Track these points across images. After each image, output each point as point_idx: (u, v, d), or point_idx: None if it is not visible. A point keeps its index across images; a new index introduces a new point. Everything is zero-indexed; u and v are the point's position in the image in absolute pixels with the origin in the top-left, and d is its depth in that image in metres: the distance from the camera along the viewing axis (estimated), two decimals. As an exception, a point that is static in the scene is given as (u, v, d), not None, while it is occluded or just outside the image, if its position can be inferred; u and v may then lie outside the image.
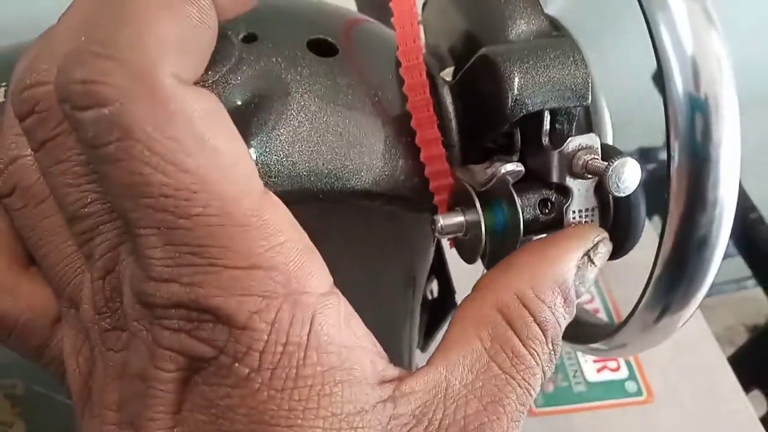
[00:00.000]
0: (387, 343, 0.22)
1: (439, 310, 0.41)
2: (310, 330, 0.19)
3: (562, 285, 0.23)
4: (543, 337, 0.22)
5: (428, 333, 0.43)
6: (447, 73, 0.28)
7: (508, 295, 0.22)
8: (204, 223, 0.18)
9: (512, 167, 0.23)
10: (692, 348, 0.56)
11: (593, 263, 0.24)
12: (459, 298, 0.40)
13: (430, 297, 0.42)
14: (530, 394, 0.22)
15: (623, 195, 0.23)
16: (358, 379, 0.19)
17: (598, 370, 0.54)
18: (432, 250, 0.31)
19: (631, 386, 0.53)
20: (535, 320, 0.22)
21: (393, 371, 0.21)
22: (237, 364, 0.18)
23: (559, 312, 0.23)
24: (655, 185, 0.30)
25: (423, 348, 0.46)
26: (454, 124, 0.27)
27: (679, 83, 0.24)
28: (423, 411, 0.20)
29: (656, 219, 0.55)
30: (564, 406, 0.52)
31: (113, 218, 0.20)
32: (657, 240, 0.24)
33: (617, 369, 0.54)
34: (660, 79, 0.24)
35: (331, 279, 0.20)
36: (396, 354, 0.35)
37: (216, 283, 0.18)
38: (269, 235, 0.18)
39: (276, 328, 0.18)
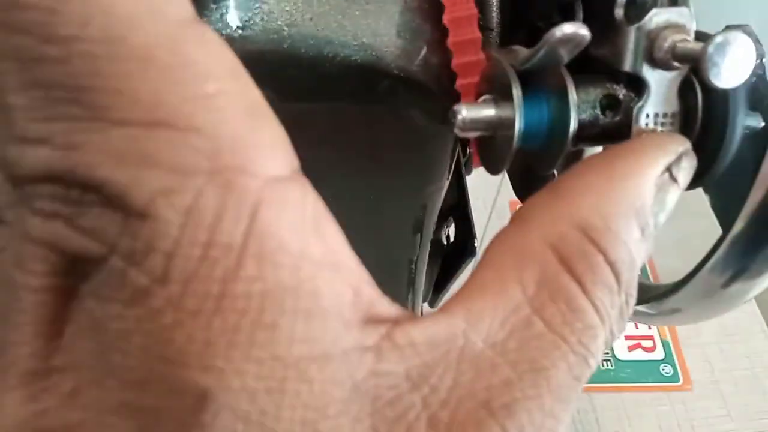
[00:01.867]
0: (385, 287, 0.16)
1: (455, 257, 0.35)
2: (249, 228, 0.13)
3: (640, 211, 0.17)
4: (615, 284, 0.16)
5: (439, 285, 0.38)
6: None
7: (565, 225, 0.17)
8: (84, 52, 0.12)
9: (573, 29, 0.16)
10: (740, 333, 0.50)
11: (676, 182, 0.18)
12: (482, 247, 0.35)
13: (445, 242, 0.36)
14: (588, 365, 0.16)
15: (725, 86, 0.17)
16: (324, 311, 0.14)
17: (630, 348, 0.48)
18: (449, 171, 0.25)
19: (666, 370, 0.48)
20: (605, 259, 0.16)
21: (387, 309, 0.15)
22: (132, 270, 0.13)
23: (636, 249, 0.17)
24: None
25: (432, 303, 0.40)
26: (495, -1, 0.21)
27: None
28: (422, 373, 0.14)
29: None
30: (587, 383, 0.46)
31: None
32: (709, 208, 0.19)
33: (652, 349, 0.49)
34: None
35: (296, 162, 0.14)
36: (395, 300, 0.30)
37: (102, 145, 0.12)
38: (189, 80, 0.12)
39: (193, 220, 0.12)
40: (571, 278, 0.16)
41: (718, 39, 0.16)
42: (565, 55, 0.17)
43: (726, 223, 0.21)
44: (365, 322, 0.14)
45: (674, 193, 0.18)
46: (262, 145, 0.13)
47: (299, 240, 0.13)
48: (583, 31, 0.16)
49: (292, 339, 0.13)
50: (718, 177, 0.21)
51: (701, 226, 0.36)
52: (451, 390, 0.15)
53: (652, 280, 0.55)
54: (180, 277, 0.13)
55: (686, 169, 0.18)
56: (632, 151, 0.18)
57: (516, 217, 0.18)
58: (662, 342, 0.49)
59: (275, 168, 0.13)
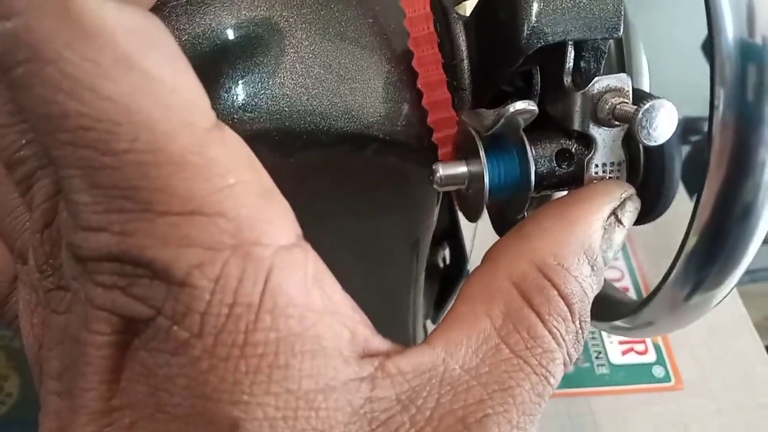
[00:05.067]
0: (387, 311, 0.19)
1: (451, 278, 0.38)
2: (264, 288, 0.16)
3: (588, 250, 0.20)
4: (568, 313, 0.19)
5: (439, 303, 0.41)
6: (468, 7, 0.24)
7: (525, 265, 0.19)
8: (134, 161, 0.15)
9: (523, 105, 0.19)
10: (728, 334, 0.52)
11: (621, 224, 0.20)
12: (472, 266, 0.38)
13: (441, 264, 0.39)
14: (548, 383, 0.18)
15: (655, 144, 0.19)
16: (326, 351, 0.16)
17: (624, 353, 0.50)
18: (436, 209, 0.28)
19: (658, 371, 0.50)
20: (559, 293, 0.19)
21: (379, 345, 0.18)
22: (176, 327, 0.15)
23: (586, 282, 0.19)
24: (698, 160, 0.26)
25: (434, 320, 0.43)
26: (466, 64, 0.24)
27: (729, 27, 0.21)
28: (410, 396, 0.17)
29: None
30: (584, 388, 0.48)
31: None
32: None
33: (645, 352, 0.51)
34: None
35: (299, 230, 0.17)
36: (399, 324, 0.33)
37: (150, 231, 0.15)
38: (215, 176, 0.15)
39: (221, 285, 0.15)
40: (531, 310, 0.19)
41: (646, 106, 0.19)
42: (522, 123, 0.20)
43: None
44: (361, 356, 0.17)
45: (620, 233, 0.20)
46: (272, 221, 0.16)
47: (303, 295, 0.16)
48: (531, 107, 0.19)
49: (301, 375, 0.16)
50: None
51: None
52: (434, 409, 0.17)
53: (644, 291, 0.57)
54: (213, 331, 0.15)
55: (630, 212, 0.21)
56: (582, 198, 0.20)
57: (486, 258, 0.20)
58: (654, 345, 0.51)
59: (283, 238, 0.16)
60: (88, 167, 0.15)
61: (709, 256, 0.22)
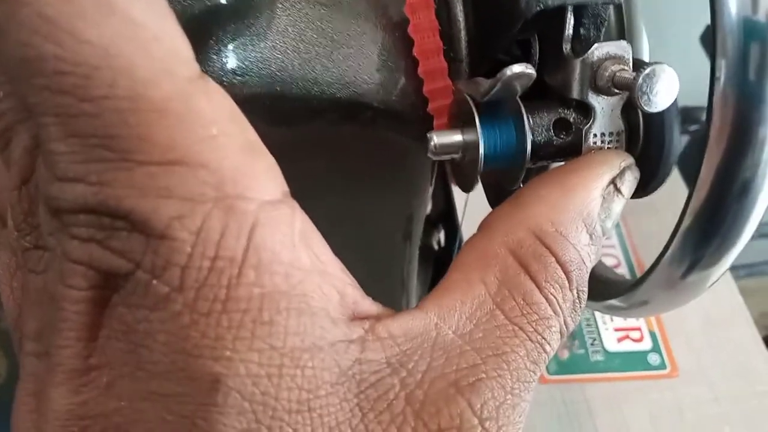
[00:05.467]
0: (380, 290, 0.19)
1: (446, 260, 0.38)
2: (248, 243, 0.15)
3: (587, 218, 0.19)
4: (566, 281, 0.19)
5: (434, 286, 0.40)
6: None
7: (522, 232, 0.19)
8: (112, 107, 0.14)
9: (521, 69, 0.19)
10: (725, 322, 0.52)
11: (620, 193, 0.20)
12: None
13: (436, 247, 0.39)
14: (544, 350, 0.18)
15: (654, 110, 0.19)
16: (312, 310, 0.16)
17: (619, 340, 0.50)
18: (431, 186, 0.27)
19: (654, 359, 0.50)
20: (556, 260, 0.19)
21: (369, 307, 0.17)
22: (155, 281, 0.15)
23: (584, 251, 0.19)
24: (697, 150, 0.26)
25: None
26: (463, 34, 0.23)
27: (733, 4, 0.20)
28: (401, 360, 0.17)
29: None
30: (579, 375, 0.48)
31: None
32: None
33: (640, 339, 0.50)
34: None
35: (286, 187, 0.16)
36: (392, 304, 0.32)
37: (128, 181, 0.15)
38: (197, 126, 0.15)
39: (203, 238, 0.15)
40: (528, 277, 0.18)
41: (647, 71, 0.19)
42: (519, 89, 0.20)
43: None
44: (351, 319, 0.17)
45: (619, 203, 0.20)
46: (257, 175, 0.16)
47: (289, 252, 0.16)
48: (528, 70, 0.19)
49: (287, 332, 0.15)
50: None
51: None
52: (426, 373, 0.17)
53: (638, 273, 0.56)
54: (194, 285, 0.15)
55: (630, 181, 0.20)
56: (580, 167, 0.20)
57: (481, 226, 0.20)
58: (650, 333, 0.51)
59: (268, 193, 0.16)
60: (65, 114, 0.14)
61: (706, 233, 0.22)
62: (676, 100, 0.20)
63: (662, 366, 0.49)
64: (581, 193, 0.19)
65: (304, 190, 0.17)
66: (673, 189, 0.23)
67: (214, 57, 0.20)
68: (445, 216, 0.37)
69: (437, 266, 0.39)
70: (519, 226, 0.19)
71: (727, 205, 0.21)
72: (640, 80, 0.19)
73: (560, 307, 0.18)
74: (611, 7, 0.23)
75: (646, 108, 0.19)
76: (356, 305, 0.17)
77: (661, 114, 0.20)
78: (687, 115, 0.82)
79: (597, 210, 0.20)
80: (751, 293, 0.59)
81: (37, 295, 0.17)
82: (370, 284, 0.19)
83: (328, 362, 0.16)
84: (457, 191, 0.36)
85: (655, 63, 0.19)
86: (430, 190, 0.28)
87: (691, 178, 0.22)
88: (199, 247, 0.15)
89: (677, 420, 0.47)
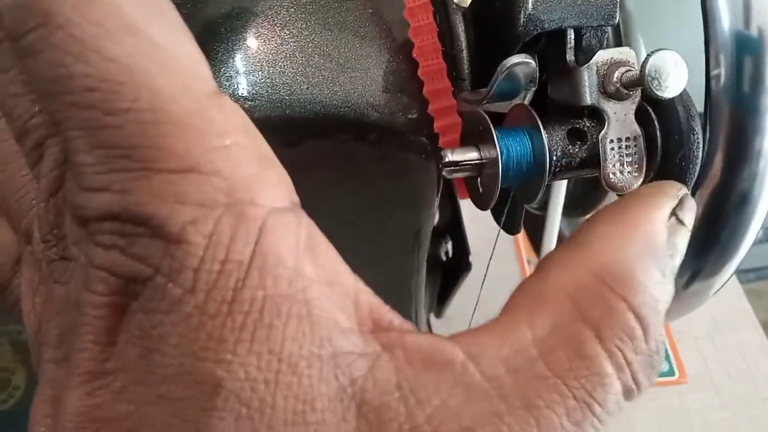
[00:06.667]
0: (389, 303, 0.19)
1: (454, 271, 0.38)
2: (255, 247, 0.15)
3: (655, 253, 0.17)
4: (638, 331, 0.16)
5: (442, 297, 0.41)
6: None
7: (582, 273, 0.17)
8: (135, 120, 0.15)
9: (519, 58, 0.19)
10: (732, 328, 0.52)
11: (682, 224, 0.18)
12: (475, 260, 0.38)
13: (444, 258, 0.39)
14: (592, 412, 0.15)
15: (670, 96, 0.19)
16: (314, 317, 0.16)
17: (627, 347, 0.50)
18: (437, 199, 0.28)
19: (662, 366, 0.50)
20: (627, 305, 0.16)
21: (390, 321, 0.17)
22: (171, 284, 0.15)
23: (658, 290, 0.17)
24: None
25: (437, 314, 0.43)
26: (465, 54, 0.24)
27: (725, 18, 0.21)
28: (413, 386, 0.15)
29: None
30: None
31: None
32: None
33: (648, 346, 0.50)
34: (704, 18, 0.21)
35: (296, 198, 0.17)
36: (401, 316, 0.33)
37: (148, 188, 0.15)
38: (212, 136, 0.15)
39: (214, 242, 0.15)
40: (585, 326, 0.16)
41: (651, 58, 0.19)
42: (522, 79, 0.20)
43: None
44: (370, 331, 0.16)
45: (684, 235, 0.18)
46: (267, 184, 0.16)
47: (294, 258, 0.16)
48: (527, 59, 0.19)
49: (285, 337, 0.15)
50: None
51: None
52: (438, 409, 0.15)
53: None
54: (204, 287, 0.15)
55: (690, 210, 0.19)
56: (638, 199, 0.18)
57: (537, 268, 0.18)
58: (657, 339, 0.51)
59: (277, 201, 0.16)
60: (91, 127, 0.15)
61: (706, 244, 0.22)
62: (692, 106, 0.20)
63: (671, 373, 0.49)
64: (645, 226, 0.18)
65: (314, 206, 0.18)
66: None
67: (226, 83, 0.21)
68: (453, 226, 0.38)
69: (445, 277, 0.40)
70: (579, 268, 0.17)
71: (726, 215, 0.22)
72: (647, 68, 0.19)
73: (626, 362, 0.16)
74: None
75: (660, 94, 0.19)
76: (373, 313, 0.16)
77: (675, 111, 0.20)
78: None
79: (664, 243, 0.18)
80: (759, 296, 0.59)
81: (60, 304, 0.17)
82: (378, 296, 0.19)
83: (326, 374, 0.15)
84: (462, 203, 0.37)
85: (657, 51, 0.19)
86: (437, 203, 0.28)
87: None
88: (211, 250, 0.15)
89: (685, 426, 0.47)
